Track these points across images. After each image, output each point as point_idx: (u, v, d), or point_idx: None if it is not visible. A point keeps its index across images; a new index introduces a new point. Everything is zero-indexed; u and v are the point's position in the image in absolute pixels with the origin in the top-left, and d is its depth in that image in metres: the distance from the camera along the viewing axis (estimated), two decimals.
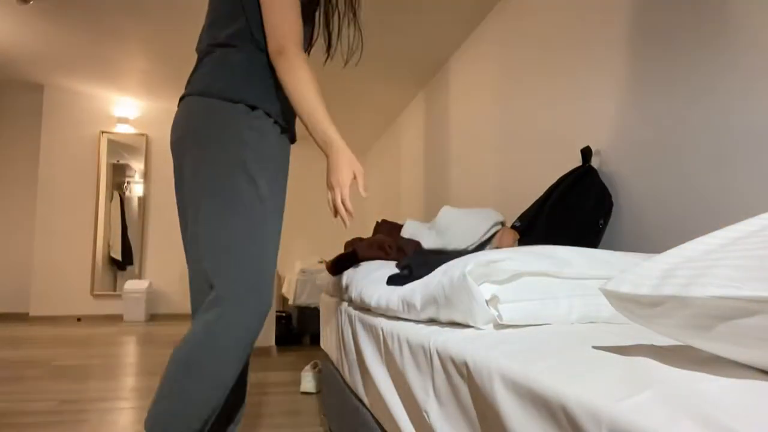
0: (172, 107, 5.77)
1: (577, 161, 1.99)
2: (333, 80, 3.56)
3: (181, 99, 1.15)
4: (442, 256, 1.11)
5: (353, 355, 1.37)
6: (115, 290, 5.61)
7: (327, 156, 1.10)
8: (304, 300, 3.90)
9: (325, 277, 2.03)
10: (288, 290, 4.30)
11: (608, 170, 1.92)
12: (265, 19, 1.09)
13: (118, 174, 5.76)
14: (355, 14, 1.34)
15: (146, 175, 5.82)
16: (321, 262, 4.77)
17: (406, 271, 1.23)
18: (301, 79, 1.07)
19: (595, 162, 1.96)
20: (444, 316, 0.86)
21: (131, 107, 5.71)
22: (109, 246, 5.67)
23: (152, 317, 5.63)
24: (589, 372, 0.48)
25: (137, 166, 5.81)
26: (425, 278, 0.95)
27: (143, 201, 5.79)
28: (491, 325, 0.78)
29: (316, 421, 1.97)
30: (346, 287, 1.52)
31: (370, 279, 1.34)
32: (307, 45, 1.34)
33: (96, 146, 5.61)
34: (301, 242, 6.27)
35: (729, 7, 1.44)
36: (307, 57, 1.38)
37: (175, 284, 5.79)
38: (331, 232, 6.40)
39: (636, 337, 0.65)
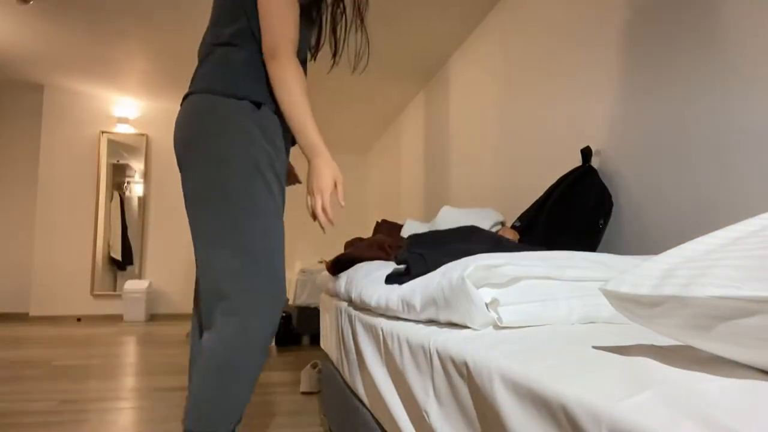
0: (172, 107, 5.77)
1: (577, 161, 1.99)
2: (333, 80, 3.56)
3: (185, 98, 1.15)
4: (436, 248, 1.10)
5: (353, 355, 1.37)
6: (115, 290, 5.61)
7: (310, 161, 1.11)
8: (304, 300, 3.89)
9: (325, 277, 2.02)
10: (288, 290, 4.30)
11: (608, 170, 1.92)
12: (261, 20, 1.10)
13: (118, 174, 5.76)
14: (362, 20, 1.34)
15: (146, 175, 5.82)
16: (321, 262, 4.77)
17: (403, 268, 1.22)
18: (291, 83, 1.07)
19: (595, 162, 1.96)
20: (443, 318, 0.86)
21: (131, 107, 5.71)
22: (109, 246, 5.67)
23: (152, 317, 5.63)
24: (589, 372, 0.48)
25: (137, 166, 5.81)
26: (425, 278, 0.95)
27: (143, 201, 5.79)
28: (491, 327, 0.78)
29: (316, 421, 1.97)
30: (346, 287, 1.52)
31: (370, 279, 1.34)
32: (309, 49, 1.34)
33: (96, 146, 5.61)
34: (301, 242, 6.27)
35: (728, 7, 1.44)
36: (313, 62, 1.39)
37: (175, 284, 5.79)
38: (331, 232, 6.39)
39: (636, 337, 0.65)
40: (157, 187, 5.85)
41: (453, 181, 3.80)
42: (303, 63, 1.25)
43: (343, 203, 1.11)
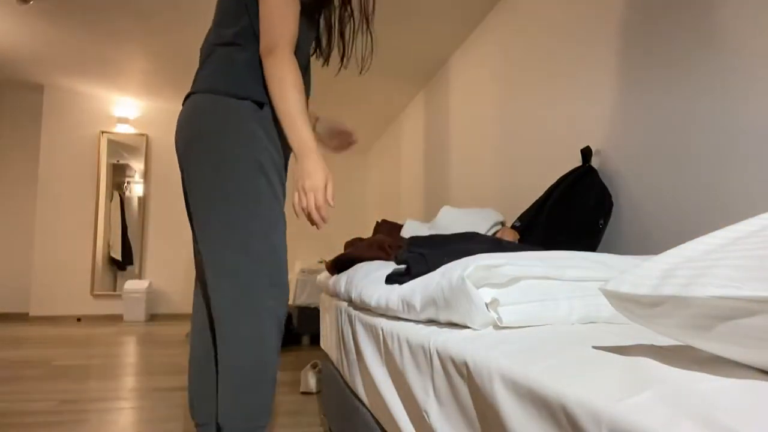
0: (172, 107, 5.77)
1: (577, 161, 1.99)
2: (333, 80, 3.56)
3: (187, 97, 1.15)
4: (436, 249, 1.10)
5: (353, 355, 1.37)
6: (115, 290, 5.61)
7: (300, 159, 1.08)
8: (304, 300, 3.90)
9: (325, 277, 2.02)
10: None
11: (608, 170, 1.92)
12: (261, 18, 1.09)
13: (118, 174, 5.76)
14: (368, 22, 1.35)
15: (146, 175, 5.82)
16: (321, 262, 4.77)
17: (403, 268, 1.22)
18: (286, 80, 1.06)
19: (595, 162, 1.96)
20: (443, 318, 0.86)
21: (131, 107, 5.71)
22: (109, 246, 5.67)
23: (152, 317, 5.63)
24: (589, 372, 0.48)
25: (137, 166, 5.81)
26: (425, 278, 0.95)
27: (143, 201, 5.79)
28: (491, 327, 0.78)
29: (316, 421, 1.97)
30: (346, 287, 1.52)
31: (370, 279, 1.34)
32: (320, 51, 1.35)
33: (96, 146, 5.61)
34: (301, 242, 6.27)
35: (728, 7, 1.44)
36: (327, 66, 1.40)
37: (175, 284, 5.79)
38: (331, 232, 6.39)
39: (636, 337, 0.65)
40: (157, 187, 5.85)
41: (453, 181, 3.80)
42: (306, 66, 1.25)
43: (332, 203, 1.10)
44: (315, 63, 1.37)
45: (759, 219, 0.45)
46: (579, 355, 0.55)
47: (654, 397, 0.38)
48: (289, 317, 4.04)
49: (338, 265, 1.79)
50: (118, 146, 5.73)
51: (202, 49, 1.20)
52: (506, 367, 0.57)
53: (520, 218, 2.03)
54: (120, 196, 5.76)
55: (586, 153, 1.93)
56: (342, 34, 1.36)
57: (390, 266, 1.44)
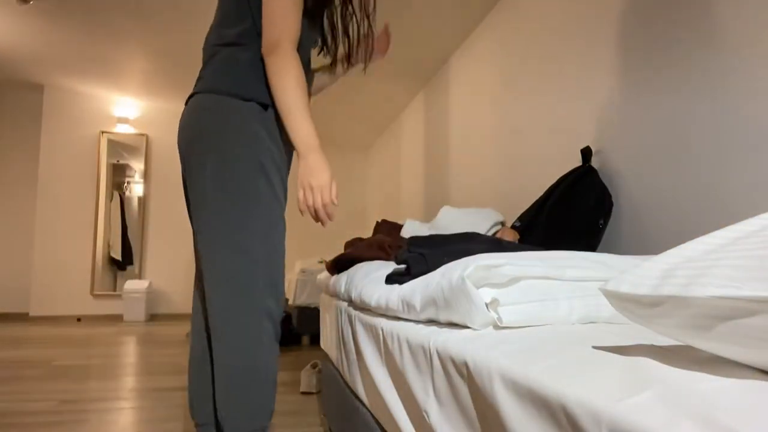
0: (172, 107, 5.77)
1: (577, 161, 1.99)
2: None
3: (190, 97, 1.15)
4: (436, 249, 1.10)
5: (353, 355, 1.37)
6: (115, 290, 5.61)
7: (303, 156, 1.07)
8: (304, 300, 3.89)
9: (325, 277, 2.02)
10: (288, 290, 4.30)
11: (608, 170, 1.92)
12: (264, 17, 1.09)
13: (118, 174, 5.76)
14: (369, 21, 1.35)
15: (146, 175, 5.82)
16: (321, 262, 4.77)
17: (403, 268, 1.22)
18: (288, 77, 1.06)
19: (595, 162, 1.96)
20: (443, 318, 0.86)
21: (131, 107, 5.71)
22: (109, 246, 5.67)
23: (152, 317, 5.63)
24: (589, 372, 0.48)
25: (137, 166, 5.81)
26: (425, 278, 0.95)
27: (143, 201, 5.79)
28: (491, 327, 0.78)
29: (316, 421, 1.97)
30: (346, 287, 1.52)
31: (370, 279, 1.34)
32: (326, 50, 1.35)
33: (96, 146, 5.61)
34: (302, 242, 6.27)
35: (728, 7, 1.44)
36: (334, 67, 1.41)
37: (175, 284, 5.79)
38: (331, 232, 6.40)
39: (636, 337, 0.65)
40: (157, 187, 5.85)
41: (453, 181, 3.80)
42: (307, 64, 1.25)
43: (336, 202, 1.10)
44: (315, 63, 1.37)
45: (759, 219, 0.45)
46: (579, 355, 0.55)
47: (654, 397, 0.38)
48: (289, 317, 4.04)
49: (338, 265, 1.79)
50: (118, 146, 5.73)
51: (204, 50, 1.20)
52: (506, 367, 0.57)
53: (520, 218, 2.03)
54: (120, 196, 5.76)
55: (586, 153, 1.93)
56: (346, 32, 1.36)
57: (390, 266, 1.44)
